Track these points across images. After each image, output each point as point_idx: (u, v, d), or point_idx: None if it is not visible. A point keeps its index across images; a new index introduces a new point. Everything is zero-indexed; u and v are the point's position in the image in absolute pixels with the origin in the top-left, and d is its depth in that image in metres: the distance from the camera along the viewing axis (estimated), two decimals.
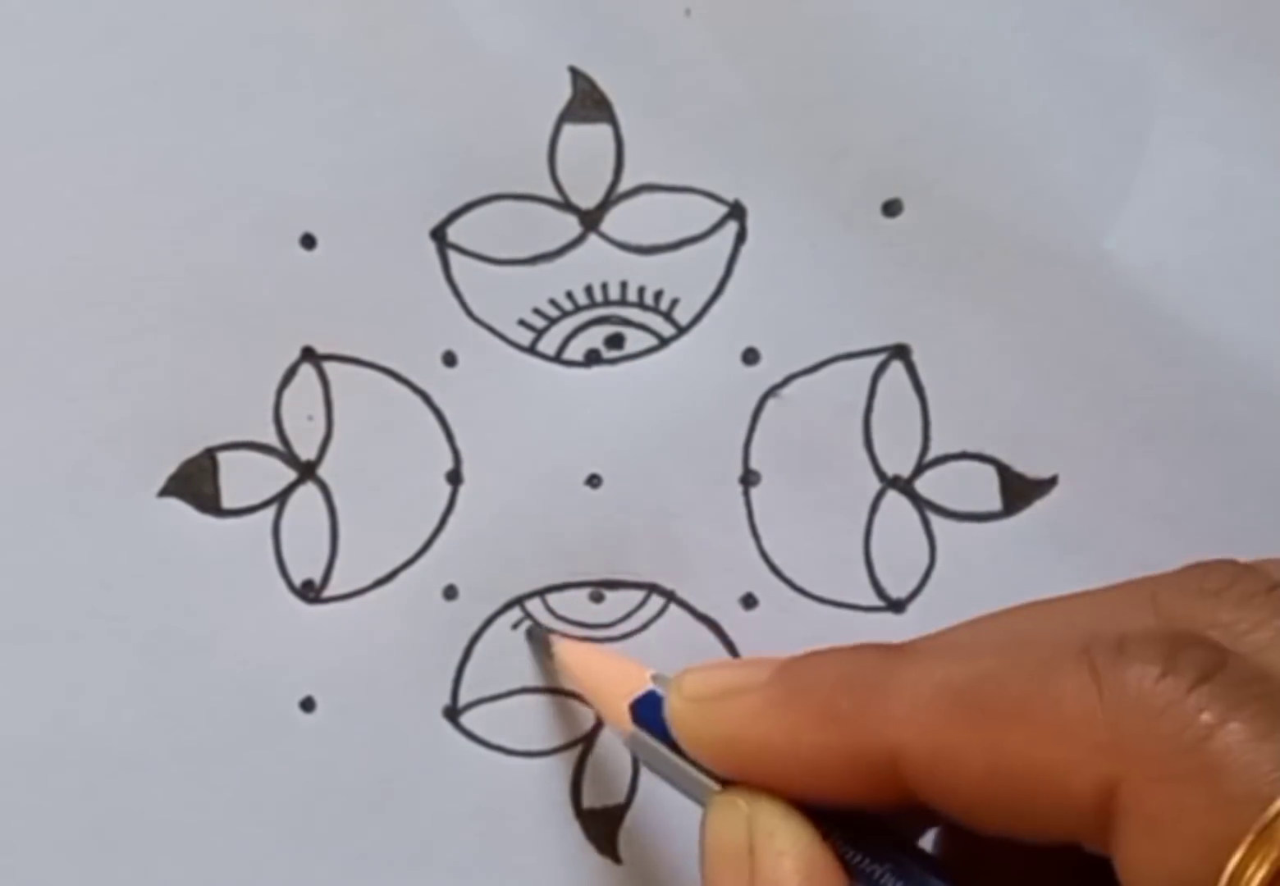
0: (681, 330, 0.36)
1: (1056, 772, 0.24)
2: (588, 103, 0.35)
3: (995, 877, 0.29)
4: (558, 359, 0.36)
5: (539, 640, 0.35)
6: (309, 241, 0.35)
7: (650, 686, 0.31)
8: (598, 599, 0.36)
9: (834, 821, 0.28)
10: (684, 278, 0.36)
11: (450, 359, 0.35)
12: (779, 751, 0.27)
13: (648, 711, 0.31)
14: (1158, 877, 0.23)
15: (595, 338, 0.36)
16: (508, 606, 0.36)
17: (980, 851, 0.28)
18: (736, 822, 0.28)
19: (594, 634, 0.36)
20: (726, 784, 0.29)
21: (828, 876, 0.27)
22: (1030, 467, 0.36)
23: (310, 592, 0.35)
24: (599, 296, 0.36)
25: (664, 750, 0.30)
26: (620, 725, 0.31)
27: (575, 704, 0.36)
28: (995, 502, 0.36)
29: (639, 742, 0.31)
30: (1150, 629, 0.26)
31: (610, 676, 0.32)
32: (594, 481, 0.36)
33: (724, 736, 0.28)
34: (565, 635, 0.36)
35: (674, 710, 0.29)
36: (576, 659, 0.34)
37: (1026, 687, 0.25)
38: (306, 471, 0.35)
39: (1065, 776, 0.24)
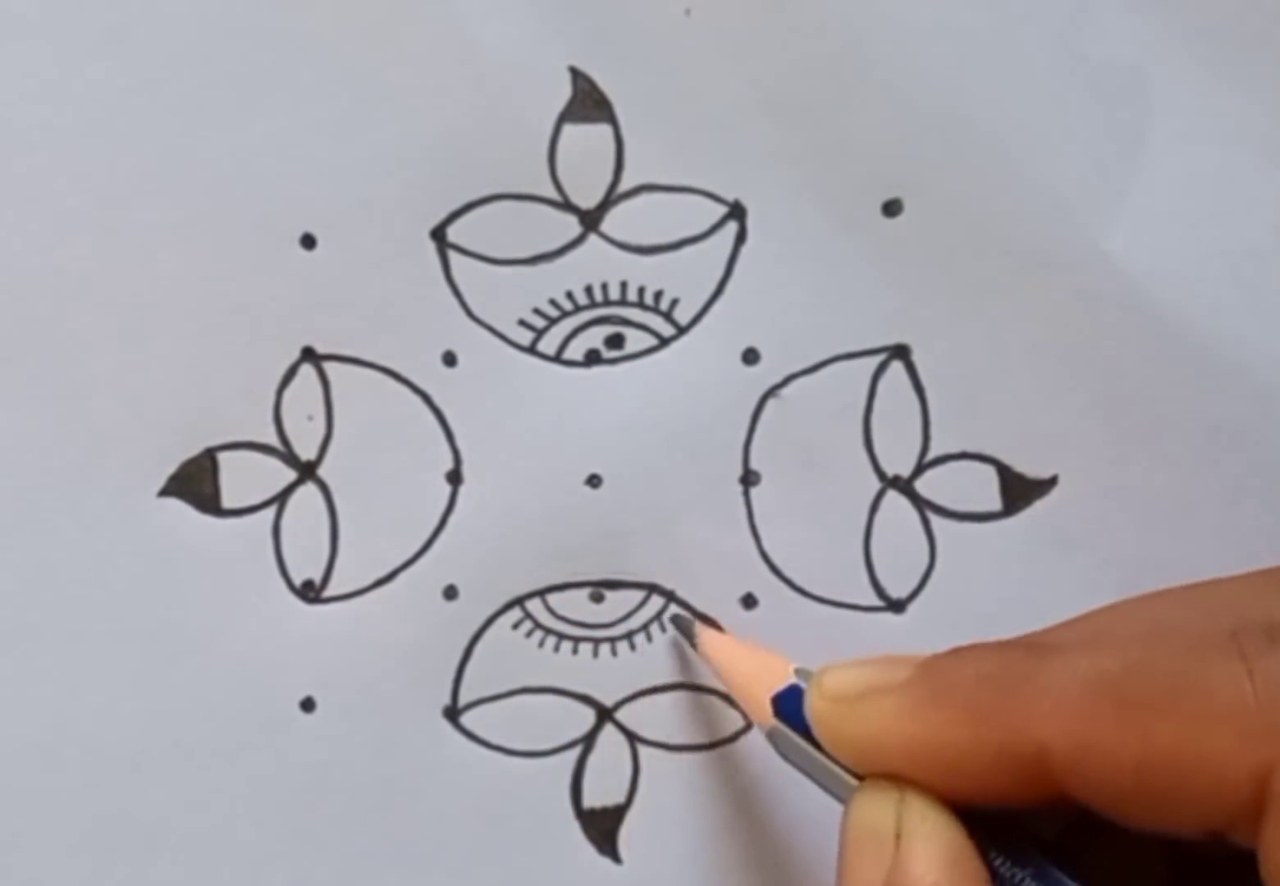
0: (681, 330, 0.36)
1: (1209, 763, 0.24)
2: (588, 103, 0.35)
3: (1131, 875, 0.29)
4: (558, 359, 0.36)
5: (685, 630, 0.35)
6: (309, 241, 0.35)
7: (792, 680, 0.31)
8: (598, 599, 0.36)
9: (976, 821, 0.28)
10: (684, 278, 0.36)
11: (450, 359, 0.35)
12: (922, 750, 0.27)
13: (789, 706, 0.30)
14: None
15: (595, 338, 0.36)
16: (508, 606, 0.36)
17: (1114, 848, 0.28)
18: (885, 808, 0.27)
19: (594, 634, 0.36)
20: (862, 780, 0.29)
21: (972, 868, 0.27)
22: (1030, 468, 0.36)
23: (310, 592, 0.35)
24: (599, 296, 0.36)
25: (805, 745, 0.30)
26: (761, 719, 0.31)
27: (575, 704, 0.36)
28: (995, 502, 0.36)
29: (779, 737, 0.31)
30: None
31: (752, 669, 0.32)
32: (594, 481, 0.36)
33: (866, 736, 0.28)
34: (711, 624, 0.36)
35: (815, 710, 0.29)
36: (719, 650, 0.34)
37: (1175, 677, 0.25)
38: (306, 471, 0.35)
39: (1218, 766, 0.24)
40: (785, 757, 0.31)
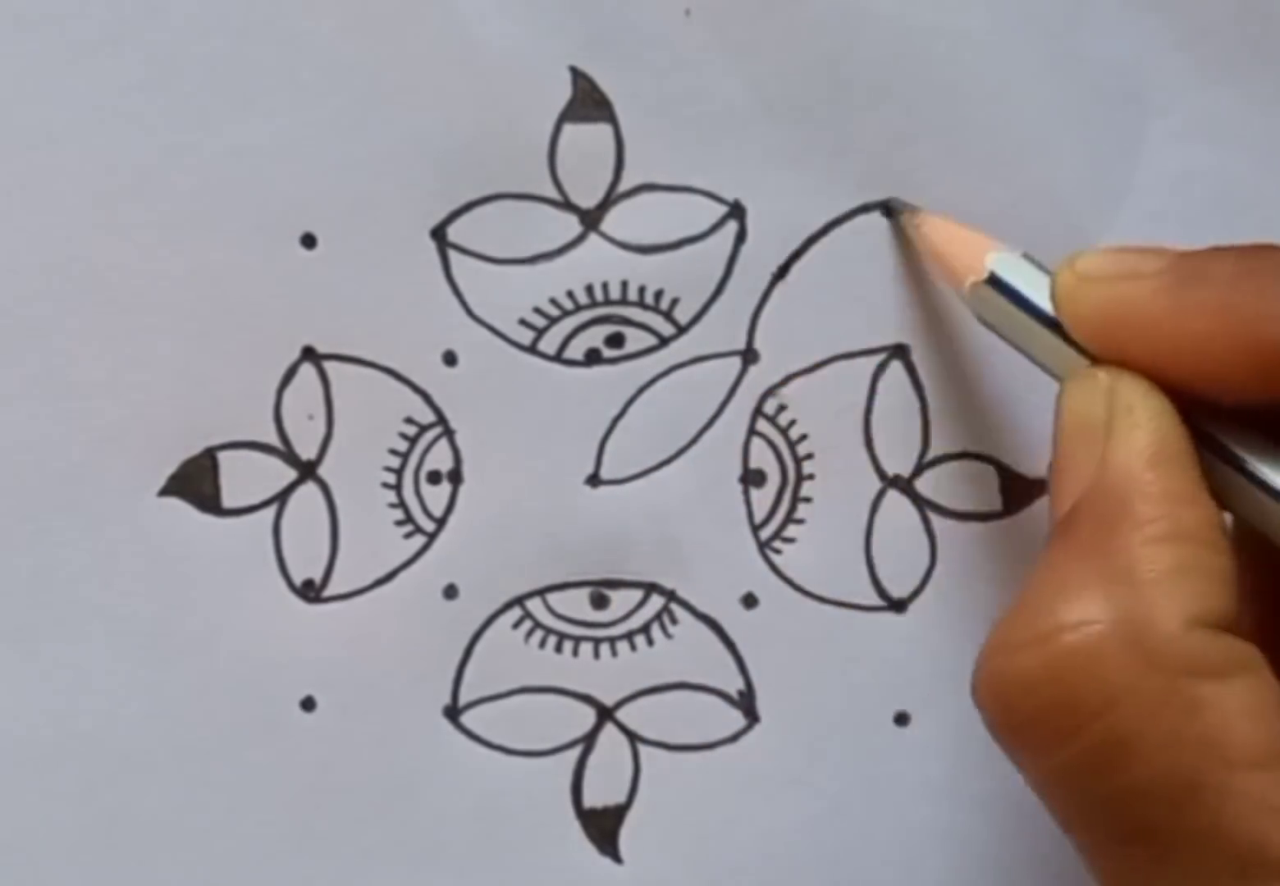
0: (682, 329, 0.36)
1: None
2: (588, 102, 0.35)
3: None
4: (558, 358, 0.36)
5: (898, 216, 0.35)
6: (309, 241, 0.35)
7: (1006, 252, 0.31)
8: (598, 598, 0.36)
9: (1201, 409, 0.27)
10: (684, 277, 0.36)
11: (450, 358, 0.35)
12: (1168, 336, 0.27)
13: (1004, 276, 0.30)
14: None
15: (595, 337, 0.36)
16: (508, 606, 0.36)
17: None
18: (1096, 396, 0.27)
19: (594, 633, 0.36)
20: (1094, 361, 0.28)
21: (1179, 454, 0.27)
22: (1030, 467, 0.36)
23: (310, 592, 0.35)
24: (599, 296, 0.36)
25: (1025, 316, 0.30)
26: (971, 275, 0.31)
27: (576, 703, 0.36)
28: (996, 502, 0.37)
29: (986, 301, 0.30)
30: None
31: (966, 240, 0.32)
32: (594, 481, 0.36)
33: (1114, 316, 0.28)
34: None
35: (1063, 284, 0.29)
36: (934, 226, 0.33)
37: None
38: (307, 471, 0.35)
39: None
40: (990, 326, 0.31)
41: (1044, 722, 0.26)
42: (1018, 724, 0.26)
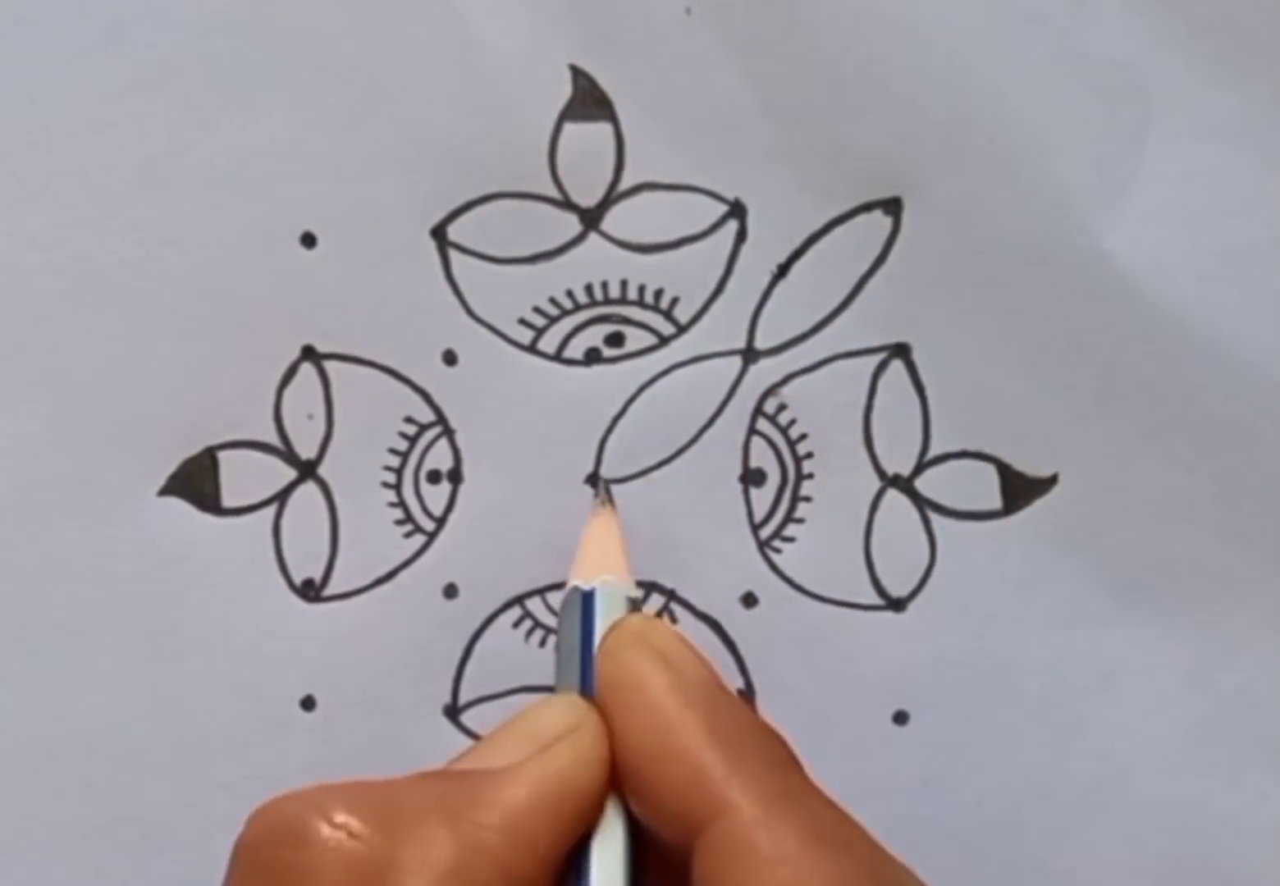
0: (682, 329, 0.36)
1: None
2: (588, 101, 0.35)
3: None
4: (558, 357, 0.36)
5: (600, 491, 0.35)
6: (309, 240, 0.35)
7: (615, 585, 0.30)
8: None
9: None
10: (684, 276, 0.36)
11: (450, 358, 0.35)
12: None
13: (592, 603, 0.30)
14: None
15: (595, 336, 0.36)
16: (508, 605, 0.36)
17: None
18: (561, 716, 0.27)
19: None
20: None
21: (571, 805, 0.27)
22: (1030, 466, 0.36)
23: (310, 591, 0.35)
24: (599, 295, 0.36)
25: (575, 639, 0.29)
26: (578, 580, 0.31)
27: None
28: (996, 501, 0.37)
29: (568, 611, 0.30)
30: None
31: (605, 549, 0.32)
32: (594, 481, 0.36)
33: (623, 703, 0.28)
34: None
35: (611, 646, 0.29)
36: (596, 524, 0.33)
37: None
38: (307, 470, 0.35)
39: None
40: (557, 616, 0.31)
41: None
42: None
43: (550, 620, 0.36)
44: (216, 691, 0.35)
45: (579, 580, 0.30)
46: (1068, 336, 0.36)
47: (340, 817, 0.25)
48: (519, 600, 0.36)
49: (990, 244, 0.35)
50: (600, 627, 0.29)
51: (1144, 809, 0.37)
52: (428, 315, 0.35)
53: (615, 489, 0.36)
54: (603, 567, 0.31)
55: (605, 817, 0.27)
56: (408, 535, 0.36)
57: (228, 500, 0.35)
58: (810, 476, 0.36)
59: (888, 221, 0.36)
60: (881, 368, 0.36)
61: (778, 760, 0.27)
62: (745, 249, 0.36)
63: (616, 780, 0.27)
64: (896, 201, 0.35)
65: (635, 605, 0.30)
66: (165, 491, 0.35)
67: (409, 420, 0.35)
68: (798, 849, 0.25)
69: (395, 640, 0.36)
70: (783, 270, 0.36)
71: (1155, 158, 0.36)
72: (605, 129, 0.35)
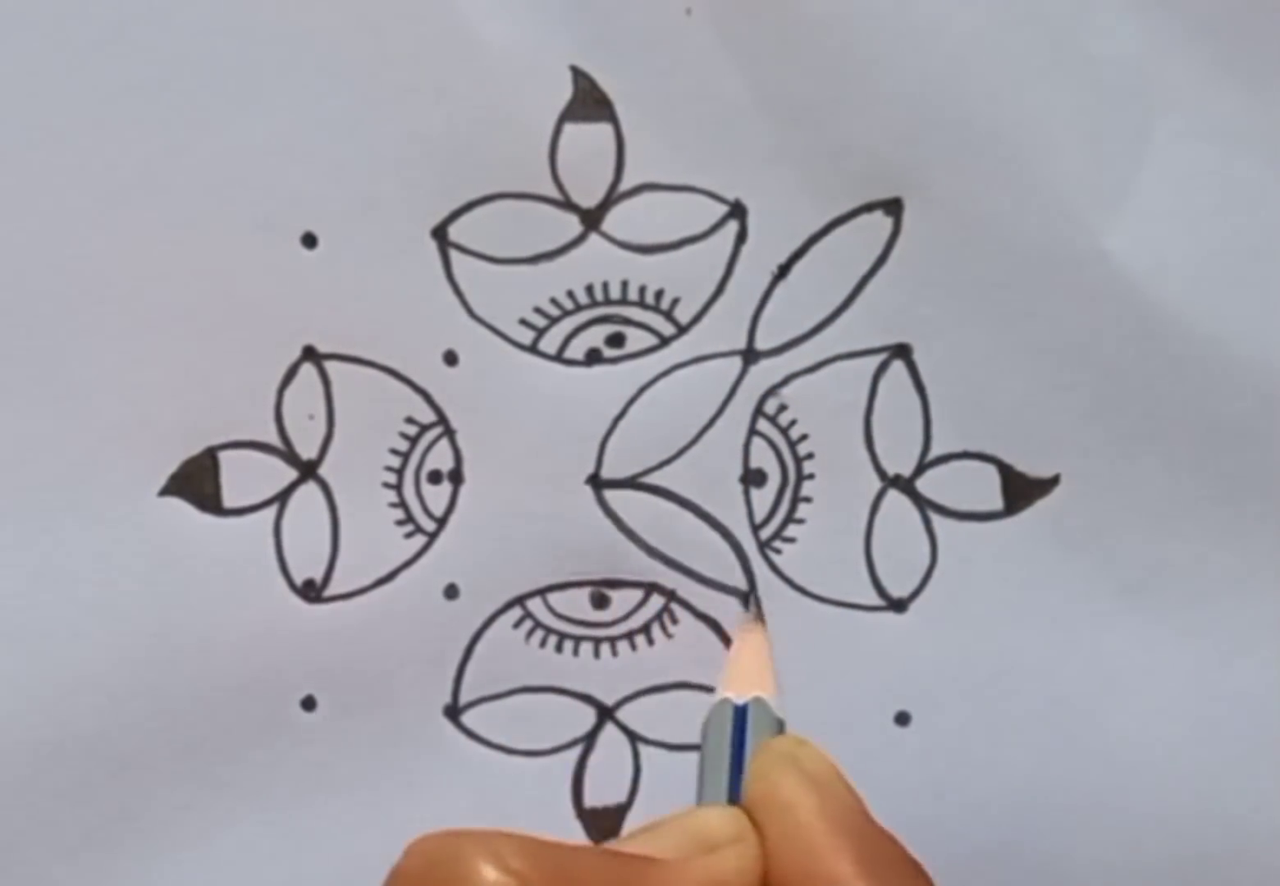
0: (682, 329, 0.36)
1: None
2: (589, 102, 0.35)
3: None
4: (559, 358, 0.36)
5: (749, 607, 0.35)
6: (310, 240, 0.35)
7: (767, 700, 0.31)
8: (598, 598, 0.36)
9: None
10: (685, 277, 0.36)
11: (451, 358, 0.35)
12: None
13: (743, 718, 0.31)
14: None
15: (596, 337, 0.36)
16: (508, 605, 0.36)
17: None
18: (728, 824, 0.28)
19: (594, 633, 0.36)
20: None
21: None
22: (1031, 467, 0.36)
23: (311, 592, 0.35)
24: (600, 295, 0.36)
25: (723, 748, 0.30)
26: (731, 693, 0.31)
27: (576, 703, 0.36)
28: (997, 502, 0.36)
29: (719, 722, 0.31)
30: None
31: (757, 667, 0.32)
32: (594, 481, 0.36)
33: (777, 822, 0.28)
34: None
35: (761, 767, 0.29)
36: (748, 641, 0.34)
37: None
38: (307, 470, 0.35)
39: None
40: (702, 741, 0.31)
41: None
42: None
43: (550, 620, 0.36)
44: (217, 691, 0.35)
45: (731, 693, 0.31)
46: (1069, 336, 0.36)
47: (515, 865, 0.25)
48: (519, 600, 0.36)
49: (991, 244, 0.35)
50: (752, 745, 0.29)
51: (1145, 809, 0.37)
52: (428, 315, 0.35)
53: (614, 491, 0.36)
54: (755, 686, 0.31)
55: None
56: (408, 535, 0.36)
57: (228, 500, 0.35)
58: (811, 477, 0.36)
59: (888, 222, 0.36)
60: (882, 368, 0.36)
61: None
62: (746, 249, 0.36)
63: None
64: (897, 202, 0.35)
65: (781, 728, 0.30)
66: (165, 491, 0.35)
67: (410, 420, 0.35)
68: None
69: (395, 640, 0.36)
70: (783, 271, 0.36)
71: (1156, 158, 0.36)
72: (606, 129, 0.35)
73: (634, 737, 0.36)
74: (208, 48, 0.34)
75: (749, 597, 0.36)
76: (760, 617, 0.34)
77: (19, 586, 0.34)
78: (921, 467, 0.36)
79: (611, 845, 0.27)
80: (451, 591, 0.36)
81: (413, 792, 0.36)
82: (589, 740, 0.36)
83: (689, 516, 0.36)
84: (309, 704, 0.35)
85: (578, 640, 0.36)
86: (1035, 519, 0.36)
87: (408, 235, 0.35)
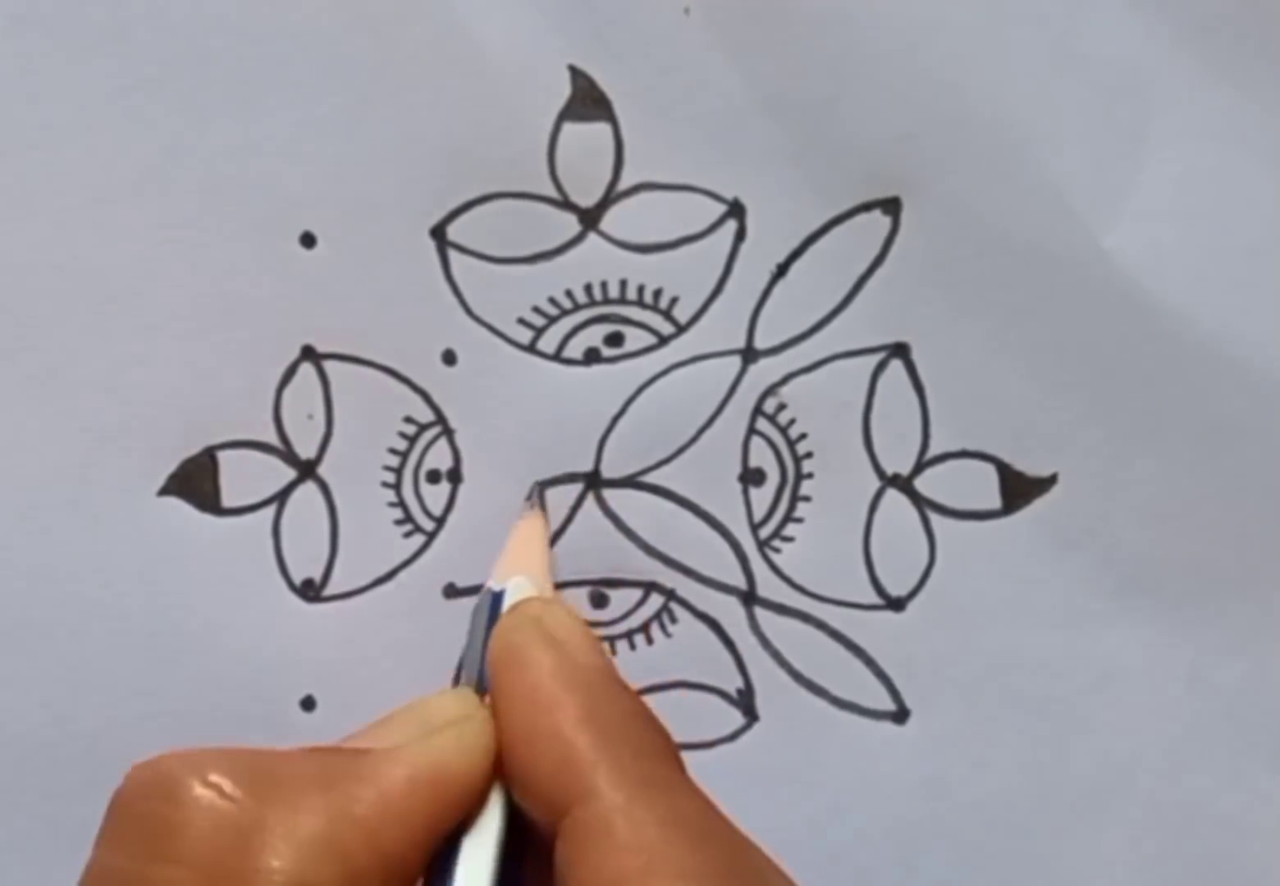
0: (681, 328, 0.36)
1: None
2: (587, 101, 0.35)
3: None
4: (557, 357, 0.36)
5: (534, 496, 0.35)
6: (309, 240, 0.35)
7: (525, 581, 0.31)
8: (598, 597, 0.36)
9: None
10: (683, 276, 0.36)
11: (450, 357, 0.35)
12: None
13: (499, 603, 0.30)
14: None
15: (595, 336, 0.36)
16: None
17: None
18: (452, 705, 0.28)
19: (594, 632, 0.36)
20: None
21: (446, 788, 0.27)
22: (1030, 466, 0.36)
23: (310, 591, 0.35)
24: (598, 295, 0.36)
25: (480, 638, 0.30)
26: (492, 582, 0.31)
27: None
28: (995, 501, 0.37)
29: (478, 612, 0.31)
30: None
31: (527, 552, 0.33)
32: (593, 479, 0.36)
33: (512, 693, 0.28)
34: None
35: (504, 641, 0.29)
36: (520, 529, 0.34)
37: None
38: (306, 470, 0.35)
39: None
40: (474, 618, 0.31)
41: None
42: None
43: None
44: (216, 691, 0.35)
45: (494, 582, 0.31)
46: (1067, 336, 0.36)
47: (214, 777, 0.25)
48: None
49: (989, 243, 0.35)
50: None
51: (1143, 808, 0.37)
52: (427, 315, 0.35)
53: (613, 490, 0.36)
54: (520, 570, 0.31)
55: (486, 807, 0.27)
56: (407, 535, 0.36)
57: (228, 500, 0.35)
58: (810, 476, 0.36)
59: (887, 221, 0.36)
60: (881, 367, 0.36)
61: (651, 749, 0.27)
62: (744, 249, 0.36)
63: (500, 769, 0.27)
64: (896, 201, 0.36)
65: None
66: (165, 491, 0.35)
67: (409, 420, 0.35)
68: (656, 837, 0.25)
69: (395, 640, 0.36)
70: (782, 270, 0.36)
71: (1155, 157, 0.36)
72: (604, 129, 0.35)
73: None
74: (207, 47, 0.34)
75: (534, 487, 0.36)
76: (540, 504, 0.34)
77: (20, 585, 0.34)
78: (920, 466, 0.36)
79: (340, 741, 0.27)
80: (451, 591, 0.36)
81: None
82: None
83: (688, 515, 0.36)
84: (308, 704, 0.35)
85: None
86: (1033, 518, 0.36)
87: (406, 235, 0.35)
